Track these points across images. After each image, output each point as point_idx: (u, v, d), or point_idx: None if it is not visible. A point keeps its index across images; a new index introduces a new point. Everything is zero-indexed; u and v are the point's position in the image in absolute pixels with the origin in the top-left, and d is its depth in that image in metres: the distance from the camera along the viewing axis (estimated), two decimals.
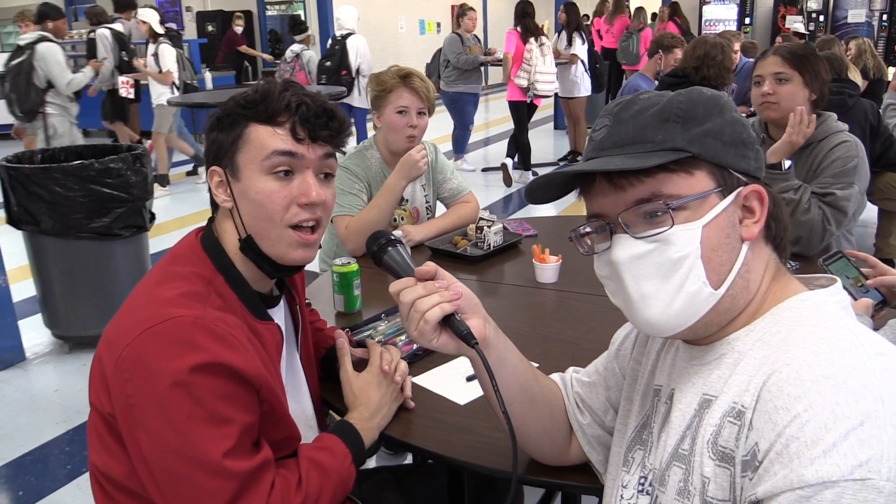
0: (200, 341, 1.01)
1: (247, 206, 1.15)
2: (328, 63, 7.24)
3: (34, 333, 3.93)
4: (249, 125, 1.15)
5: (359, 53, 7.25)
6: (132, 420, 1.02)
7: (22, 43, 5.75)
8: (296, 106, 1.14)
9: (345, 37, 7.25)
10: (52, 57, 5.66)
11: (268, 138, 1.14)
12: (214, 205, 1.22)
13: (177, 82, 6.96)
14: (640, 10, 10.28)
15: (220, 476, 1.01)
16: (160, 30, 7.03)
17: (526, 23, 6.95)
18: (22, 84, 5.63)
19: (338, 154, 1.22)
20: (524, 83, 6.91)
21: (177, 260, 1.16)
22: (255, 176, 1.14)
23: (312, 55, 7.82)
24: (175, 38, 7.42)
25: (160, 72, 6.84)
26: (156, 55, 6.87)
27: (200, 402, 1.00)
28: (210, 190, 1.21)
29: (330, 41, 7.40)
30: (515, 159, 7.31)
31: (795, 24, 10.80)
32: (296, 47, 7.82)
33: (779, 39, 8.75)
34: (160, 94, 6.88)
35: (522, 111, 7.16)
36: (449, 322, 0.99)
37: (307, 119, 1.14)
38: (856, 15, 13.12)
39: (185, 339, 1.01)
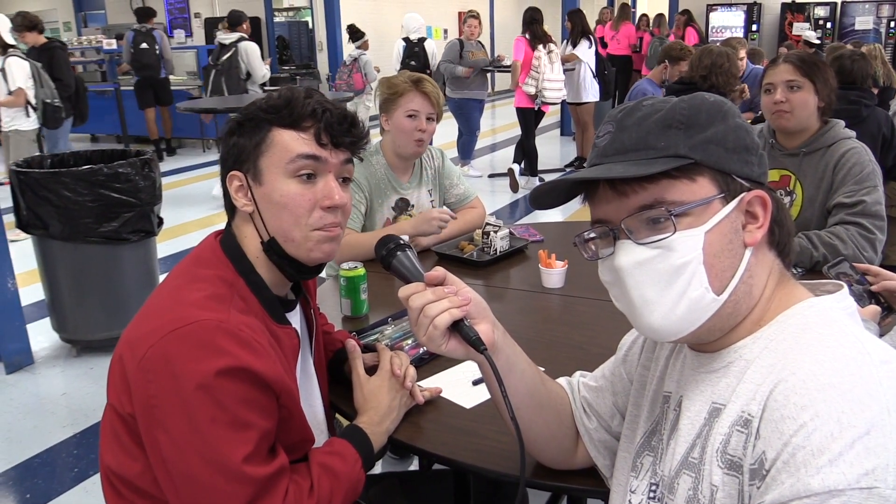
0: (225, 345, 1.02)
1: (271, 209, 1.16)
2: (413, 62, 7.95)
3: (42, 337, 3.96)
4: (273, 129, 1.16)
5: (434, 55, 8.14)
6: (153, 421, 1.02)
7: (226, 42, 7.09)
8: (321, 112, 1.16)
9: (421, 40, 8.12)
10: (253, 53, 7.09)
11: (292, 142, 1.15)
12: (230, 209, 1.23)
13: (32, 102, 5.89)
14: (660, 16, 10.31)
15: (237, 481, 1.01)
16: (10, 39, 6.00)
17: (534, 29, 6.96)
18: (235, 76, 7.00)
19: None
20: (532, 90, 6.91)
21: (199, 263, 1.17)
22: (279, 179, 1.15)
23: (369, 59, 8.35)
24: (55, 51, 6.35)
25: (9, 92, 5.77)
26: (2, 70, 5.79)
27: (223, 406, 1.01)
28: (226, 195, 1.22)
29: (405, 45, 8.16)
30: (522, 165, 7.32)
31: (806, 32, 10.77)
32: (354, 52, 8.42)
33: (782, 50, 8.73)
34: (12, 118, 5.86)
35: (530, 117, 7.17)
36: (458, 327, 0.99)
37: (331, 125, 1.16)
38: (863, 22, 13.11)
39: (210, 343, 1.02)
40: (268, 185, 1.16)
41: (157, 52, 8.96)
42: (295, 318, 1.28)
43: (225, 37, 7.22)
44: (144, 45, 8.89)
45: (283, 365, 1.13)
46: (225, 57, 7.06)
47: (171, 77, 9.53)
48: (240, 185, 1.19)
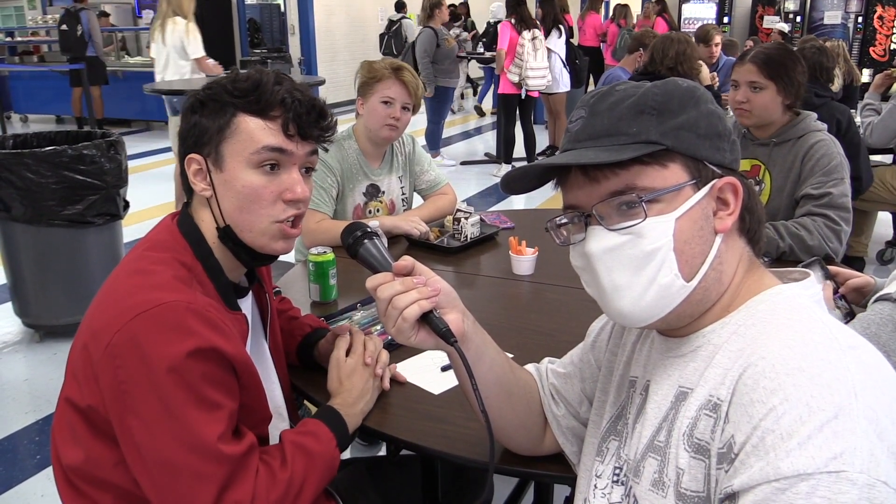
0: (195, 326, 1.00)
1: (230, 197, 1.14)
2: (485, 39, 10.80)
3: (4, 322, 3.88)
4: (238, 115, 1.13)
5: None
6: (124, 407, 1.00)
7: (395, 19, 10.10)
8: (290, 101, 1.13)
9: (497, 22, 9.46)
10: (411, 26, 10.05)
11: (258, 132, 1.12)
12: (188, 191, 1.20)
13: None
14: (625, 6, 10.25)
15: (214, 460, 1.00)
16: None
17: (521, 12, 6.83)
18: (400, 39, 9.77)
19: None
20: (516, 78, 6.85)
21: (156, 246, 1.14)
22: (242, 168, 1.13)
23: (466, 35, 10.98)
24: None
25: None
26: None
27: (194, 388, 0.99)
28: (183, 176, 1.19)
29: (486, 25, 10.86)
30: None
31: (778, 24, 10.85)
32: (455, 30, 10.58)
33: (749, 43, 8.78)
34: None
35: (512, 104, 7.15)
36: (427, 319, 0.98)
37: (299, 116, 1.13)
38: (832, 16, 13.27)
39: (179, 324, 1.00)
40: (229, 172, 1.13)
41: (80, 33, 9.06)
42: (245, 304, 1.27)
43: (393, 15, 10.41)
44: (65, 27, 9.16)
45: None
46: (395, 28, 10.06)
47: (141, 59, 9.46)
48: (199, 168, 1.16)
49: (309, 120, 1.15)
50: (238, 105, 1.13)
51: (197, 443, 0.99)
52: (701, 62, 4.39)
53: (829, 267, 1.63)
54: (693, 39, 4.09)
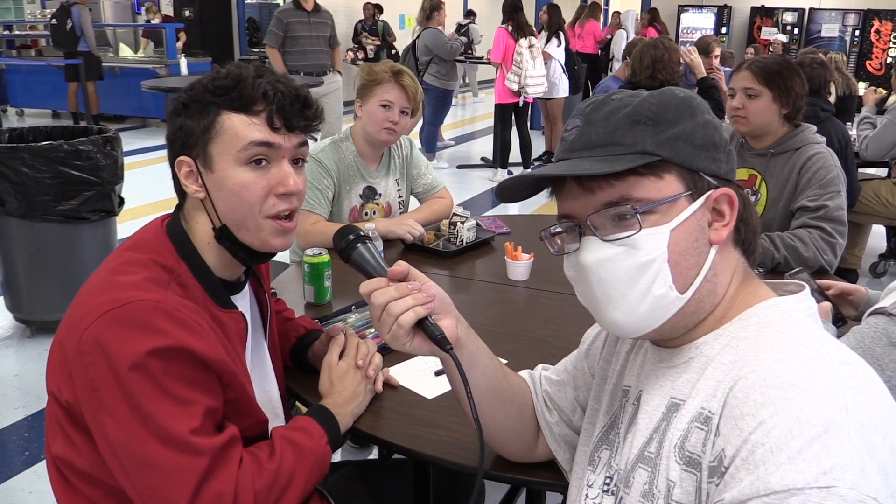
0: (162, 325, 1.00)
1: (223, 197, 1.13)
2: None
3: None
4: (222, 113, 1.11)
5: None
6: (96, 404, 1.00)
7: (462, 24, 10.45)
8: (272, 94, 1.11)
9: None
10: (477, 31, 10.77)
11: (244, 129, 1.11)
12: (181, 194, 1.19)
13: None
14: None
15: (188, 452, 0.99)
16: None
17: (518, 18, 6.79)
18: (470, 43, 10.31)
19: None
20: (514, 87, 6.83)
21: (137, 247, 1.14)
22: (231, 167, 1.11)
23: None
24: None
25: None
26: None
27: (161, 385, 0.98)
28: (175, 178, 1.18)
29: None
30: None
31: (778, 36, 10.91)
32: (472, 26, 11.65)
33: (749, 51, 8.82)
34: None
35: (508, 112, 7.14)
36: (422, 325, 0.98)
37: (283, 107, 1.12)
38: (829, 29, 13.33)
39: (145, 323, 0.99)
40: (219, 172, 1.12)
41: (70, 27, 9.03)
42: (242, 301, 1.25)
43: (461, 20, 11.17)
44: (55, 21, 9.17)
45: (227, 348, 1.11)
46: (463, 30, 10.50)
47: (139, 55, 9.45)
48: (189, 170, 1.15)
49: (293, 111, 1.13)
50: (220, 103, 1.11)
51: (169, 437, 0.98)
52: (693, 56, 4.33)
53: (821, 281, 1.64)
54: (674, 45, 4.06)
